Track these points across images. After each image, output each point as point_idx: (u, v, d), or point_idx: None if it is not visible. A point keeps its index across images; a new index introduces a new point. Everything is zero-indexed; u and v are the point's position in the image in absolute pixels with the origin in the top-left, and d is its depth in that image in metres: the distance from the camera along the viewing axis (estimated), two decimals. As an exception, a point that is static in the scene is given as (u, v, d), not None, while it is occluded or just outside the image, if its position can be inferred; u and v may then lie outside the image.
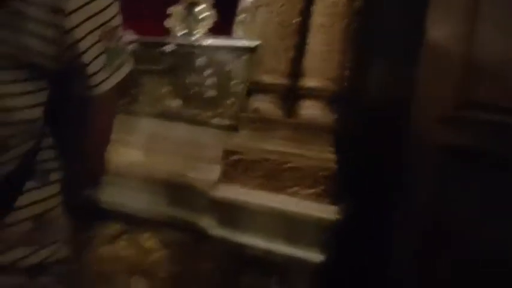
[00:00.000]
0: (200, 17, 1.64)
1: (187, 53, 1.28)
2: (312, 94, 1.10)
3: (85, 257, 1.29)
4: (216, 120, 1.24)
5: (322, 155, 1.06)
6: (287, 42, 1.11)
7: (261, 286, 1.10)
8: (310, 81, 1.10)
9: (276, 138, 1.12)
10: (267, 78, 1.13)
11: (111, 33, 0.61)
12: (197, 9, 1.55)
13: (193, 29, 1.62)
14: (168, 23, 1.67)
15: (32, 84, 0.59)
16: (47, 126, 0.65)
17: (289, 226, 1.06)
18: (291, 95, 1.13)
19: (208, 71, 1.25)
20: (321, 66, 1.09)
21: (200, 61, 1.26)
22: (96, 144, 0.69)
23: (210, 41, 1.27)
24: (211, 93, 1.25)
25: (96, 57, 0.60)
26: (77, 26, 0.58)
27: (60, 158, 0.67)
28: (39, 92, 0.60)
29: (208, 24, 1.63)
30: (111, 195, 1.21)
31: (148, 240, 1.24)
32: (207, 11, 1.45)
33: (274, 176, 1.08)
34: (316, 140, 1.09)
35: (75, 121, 0.67)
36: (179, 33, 1.41)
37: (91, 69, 0.60)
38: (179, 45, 1.29)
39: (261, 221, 1.07)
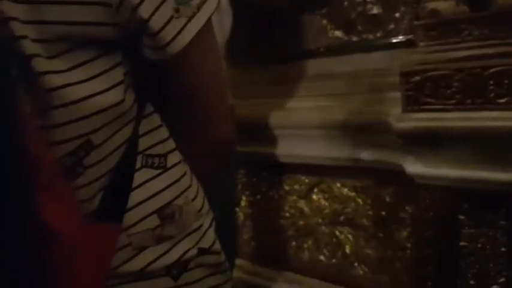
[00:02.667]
0: None
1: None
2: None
3: (279, 213, 1.27)
4: (387, 40, 1.05)
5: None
6: None
7: (486, 223, 0.90)
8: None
9: (468, 42, 0.87)
10: (437, -32, 0.89)
11: None
12: None
13: None
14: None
15: (101, 64, 0.48)
16: (144, 105, 0.54)
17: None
18: (475, -20, 0.86)
19: (366, -16, 1.06)
20: None
21: (355, -25, 1.08)
22: (208, 114, 0.56)
23: None
24: (376, 9, 1.06)
25: (157, 9, 0.46)
26: None
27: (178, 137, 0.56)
28: (112, 70, 0.49)
29: None
30: (290, 149, 1.15)
31: (343, 189, 1.14)
32: None
33: (474, 88, 0.85)
34: (526, 30, 0.82)
35: (173, 93, 0.55)
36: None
37: (154, 25, 0.47)
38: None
39: (470, 146, 0.87)
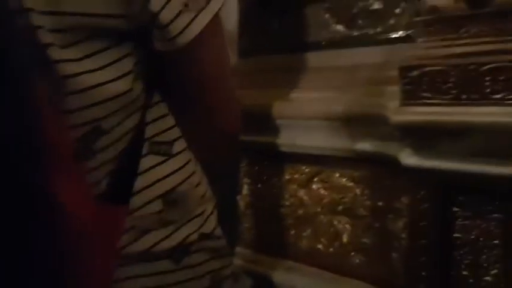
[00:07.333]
0: None
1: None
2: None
3: (279, 202, 1.30)
4: (387, 35, 1.07)
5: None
6: None
7: (480, 215, 0.93)
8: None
9: (466, 38, 0.90)
10: (438, -35, 0.90)
11: None
12: None
13: None
14: None
15: (111, 54, 0.50)
16: (152, 94, 0.56)
17: (507, 142, 0.85)
18: (474, -22, 0.88)
19: (369, -21, 1.08)
20: None
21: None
22: (209, 101, 0.58)
23: None
24: (377, 5, 1.08)
25: (167, 2, 0.48)
26: None
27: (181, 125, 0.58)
28: (122, 60, 0.51)
29: None
30: (291, 138, 1.17)
31: (341, 179, 1.17)
32: None
33: (470, 84, 0.88)
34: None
35: (181, 83, 0.57)
36: None
37: (163, 18, 0.49)
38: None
39: (465, 140, 0.89)
